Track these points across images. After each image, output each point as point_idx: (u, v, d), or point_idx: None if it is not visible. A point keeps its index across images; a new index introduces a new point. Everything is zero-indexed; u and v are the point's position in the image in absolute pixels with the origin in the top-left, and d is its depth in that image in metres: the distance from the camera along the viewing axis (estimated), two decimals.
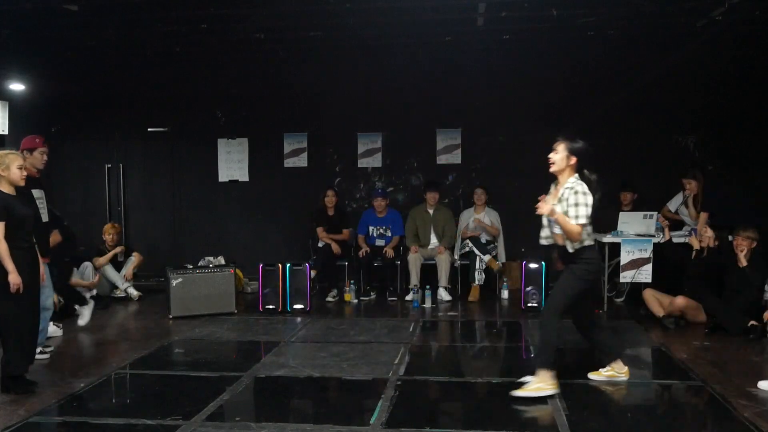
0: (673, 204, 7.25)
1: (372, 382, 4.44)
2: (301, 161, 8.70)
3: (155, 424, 3.67)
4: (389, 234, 7.77)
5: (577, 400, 3.98)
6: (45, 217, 5.02)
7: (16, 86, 8.19)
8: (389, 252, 7.50)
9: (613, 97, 7.87)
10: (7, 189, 4.18)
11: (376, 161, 8.64)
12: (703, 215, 6.29)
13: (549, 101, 8.13)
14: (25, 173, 4.22)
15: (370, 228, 7.80)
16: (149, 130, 8.86)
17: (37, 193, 4.92)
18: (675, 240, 6.55)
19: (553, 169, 4.14)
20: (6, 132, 8.07)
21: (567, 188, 4.03)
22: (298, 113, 8.66)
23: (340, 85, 8.44)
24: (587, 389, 4.24)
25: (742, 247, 5.43)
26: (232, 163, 8.88)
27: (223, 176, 8.89)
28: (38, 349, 4.80)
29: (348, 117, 8.57)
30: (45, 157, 5.14)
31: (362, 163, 8.66)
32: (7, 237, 4.04)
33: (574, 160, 4.07)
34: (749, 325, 5.39)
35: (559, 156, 4.08)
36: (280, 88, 8.56)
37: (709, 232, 5.86)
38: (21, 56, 7.46)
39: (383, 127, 8.59)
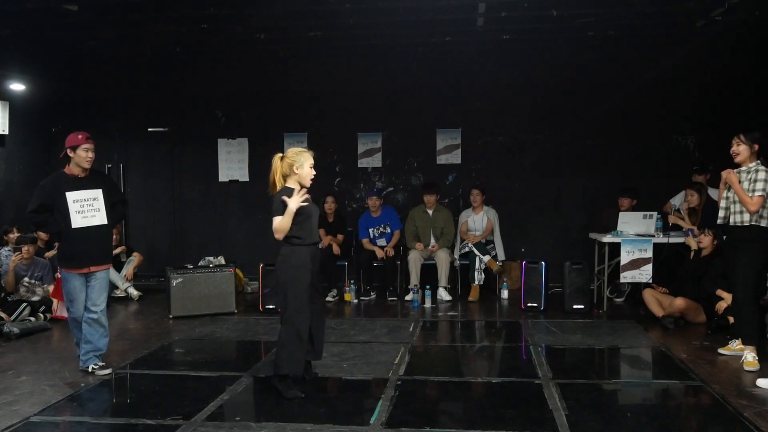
0: (678, 200, 7.22)
1: (372, 382, 4.45)
2: None
3: (155, 424, 3.67)
4: (389, 231, 7.76)
5: (577, 400, 3.98)
6: (101, 220, 4.61)
7: (16, 86, 8.18)
8: (389, 251, 7.51)
9: (612, 98, 7.89)
10: (296, 186, 4.16)
11: (376, 161, 8.64)
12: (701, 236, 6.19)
13: (549, 101, 8.15)
14: (313, 173, 4.16)
15: (370, 230, 7.79)
16: (149, 130, 8.85)
17: (83, 194, 4.55)
18: (672, 240, 6.54)
19: (738, 159, 4.71)
20: (6, 132, 8.08)
21: (752, 169, 4.61)
22: (298, 113, 8.67)
23: (340, 85, 8.43)
24: (587, 389, 4.25)
25: None
26: (232, 163, 8.88)
27: (223, 176, 8.89)
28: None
29: (348, 117, 8.57)
30: (90, 154, 4.61)
31: (362, 163, 8.66)
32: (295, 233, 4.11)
33: (756, 147, 4.66)
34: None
35: (743, 147, 4.66)
36: (280, 88, 8.56)
37: (705, 242, 5.95)
38: (21, 56, 7.47)
39: (383, 127, 8.60)
